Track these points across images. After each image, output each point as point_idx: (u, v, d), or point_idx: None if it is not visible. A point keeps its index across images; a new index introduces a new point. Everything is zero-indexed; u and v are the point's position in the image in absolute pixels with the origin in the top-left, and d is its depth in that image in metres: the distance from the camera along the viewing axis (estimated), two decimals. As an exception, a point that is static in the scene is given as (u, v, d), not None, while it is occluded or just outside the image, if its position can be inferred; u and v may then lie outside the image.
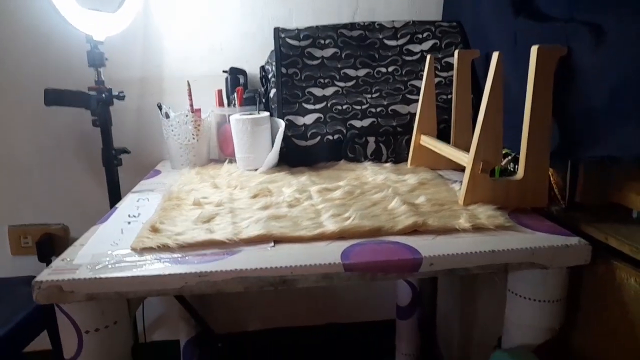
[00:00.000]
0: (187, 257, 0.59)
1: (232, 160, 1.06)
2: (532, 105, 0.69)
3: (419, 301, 1.26)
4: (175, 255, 0.59)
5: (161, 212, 0.73)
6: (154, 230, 0.65)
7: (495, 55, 0.70)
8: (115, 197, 1.03)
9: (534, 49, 0.68)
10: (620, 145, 0.60)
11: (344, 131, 1.04)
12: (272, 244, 0.62)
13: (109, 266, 0.57)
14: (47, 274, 0.55)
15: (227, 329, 1.37)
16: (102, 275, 0.55)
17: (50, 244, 1.20)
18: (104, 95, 0.98)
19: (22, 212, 1.22)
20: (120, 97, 1.02)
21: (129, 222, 0.72)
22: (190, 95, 1.05)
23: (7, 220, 1.23)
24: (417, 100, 1.00)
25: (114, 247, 0.63)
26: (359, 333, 1.41)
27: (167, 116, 1.05)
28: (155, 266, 0.57)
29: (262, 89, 1.14)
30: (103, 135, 1.00)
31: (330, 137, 1.04)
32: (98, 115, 0.97)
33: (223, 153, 1.12)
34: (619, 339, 0.60)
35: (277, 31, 1.10)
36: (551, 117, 0.69)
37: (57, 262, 0.58)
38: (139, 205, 0.81)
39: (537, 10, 0.77)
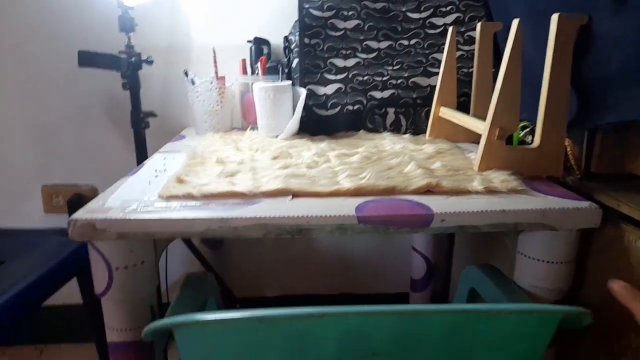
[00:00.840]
0: (210, 205, 0.62)
1: (255, 127, 1.09)
2: (551, 74, 0.69)
3: (433, 274, 1.28)
4: (199, 203, 0.63)
5: (186, 167, 0.76)
6: (180, 181, 0.69)
7: (515, 23, 0.70)
8: (142, 158, 1.07)
9: (554, 18, 0.68)
10: (635, 108, 0.60)
11: (364, 102, 1.06)
12: (291, 197, 0.66)
13: (138, 209, 0.61)
14: (81, 213, 0.59)
15: (247, 294, 1.42)
16: (132, 217, 0.58)
17: (80, 203, 1.25)
18: (133, 59, 1.01)
19: (54, 172, 1.28)
20: (149, 62, 1.06)
21: (156, 176, 0.76)
22: (215, 62, 1.08)
23: (41, 180, 1.29)
24: (437, 73, 1.01)
25: (143, 195, 0.67)
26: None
27: (193, 83, 1.08)
28: (180, 211, 0.60)
29: (285, 59, 1.16)
30: (132, 97, 1.05)
31: (350, 107, 1.06)
32: (128, 78, 1.01)
33: (246, 121, 1.15)
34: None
35: (302, 2, 1.11)
36: (569, 86, 0.70)
37: (90, 204, 0.63)
38: (165, 163, 0.85)
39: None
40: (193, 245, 1.24)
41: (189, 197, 0.65)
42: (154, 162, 0.86)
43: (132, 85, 1.03)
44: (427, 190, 0.68)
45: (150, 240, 0.64)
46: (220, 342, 0.47)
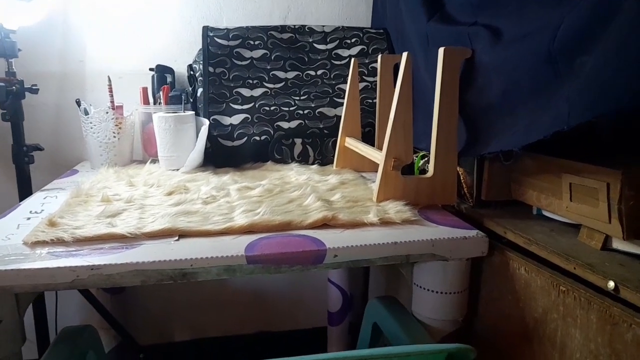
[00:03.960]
0: (82, 251, 0.56)
1: (156, 160, 1.03)
2: (440, 104, 0.72)
3: (350, 306, 1.27)
4: (69, 249, 0.57)
5: (64, 207, 0.69)
6: (52, 224, 0.62)
7: (404, 56, 0.72)
8: (25, 196, 0.97)
9: (441, 51, 0.71)
10: (512, 137, 0.63)
11: (271, 132, 1.04)
12: (177, 237, 0.61)
13: (-7, 260, 0.53)
14: None
15: (152, 340, 1.31)
16: (-17, 269, 0.51)
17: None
18: (14, 88, 0.92)
19: None
20: (34, 90, 0.97)
21: (29, 218, 0.68)
22: (111, 91, 1.02)
23: None
24: (343, 104, 1.01)
25: (5, 241, 0.59)
26: (291, 341, 1.39)
27: (87, 113, 1.01)
28: (44, 259, 0.54)
29: (190, 88, 1.12)
30: (13, 130, 0.95)
31: (257, 137, 1.03)
32: (7, 109, 0.91)
33: (147, 153, 1.09)
34: (512, 324, 0.63)
35: (206, 30, 1.09)
36: (457, 116, 0.72)
37: None
38: (44, 202, 0.76)
39: (446, 15, 0.81)
40: (88, 292, 1.13)
41: (60, 242, 0.58)
42: (32, 201, 0.77)
43: (13, 116, 0.93)
44: (324, 224, 0.66)
45: (11, 294, 0.56)
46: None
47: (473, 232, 0.63)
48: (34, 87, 0.97)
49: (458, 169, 0.77)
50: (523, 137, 0.59)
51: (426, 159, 0.89)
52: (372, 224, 0.66)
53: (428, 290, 0.64)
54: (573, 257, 0.55)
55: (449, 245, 0.61)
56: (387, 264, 0.61)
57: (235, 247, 0.58)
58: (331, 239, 0.61)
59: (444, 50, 0.70)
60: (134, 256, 0.55)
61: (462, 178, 0.80)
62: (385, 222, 0.66)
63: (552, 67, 0.56)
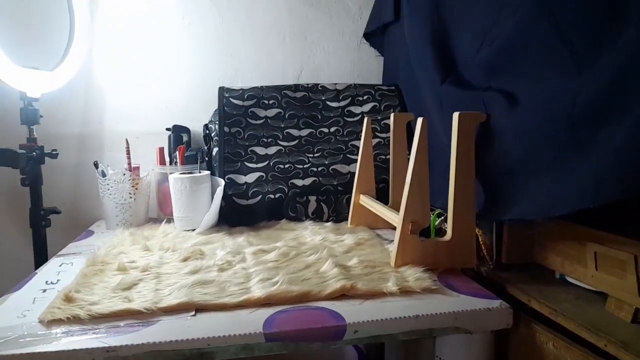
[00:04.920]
0: (98, 329, 0.55)
1: (171, 219, 1.04)
2: (456, 168, 0.71)
3: (367, 363, 1.22)
4: (85, 327, 0.56)
5: (80, 279, 0.69)
6: (68, 299, 0.62)
7: (419, 121, 0.73)
8: (41, 260, 0.97)
9: (455, 115, 0.71)
10: (533, 205, 0.62)
11: (286, 190, 1.04)
12: (194, 312, 0.60)
13: (9, 342, 0.52)
14: None
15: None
16: (-1, 353, 0.50)
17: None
18: (34, 154, 0.94)
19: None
20: (53, 156, 0.99)
21: (44, 290, 0.68)
22: (128, 153, 1.04)
23: None
24: (357, 160, 1.02)
25: (21, 319, 0.58)
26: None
27: (104, 175, 1.02)
28: (60, 341, 0.53)
29: (205, 148, 1.14)
30: (32, 194, 0.96)
31: (271, 195, 1.04)
32: (27, 174, 0.93)
33: (162, 212, 1.10)
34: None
35: (222, 90, 1.12)
36: (474, 179, 0.72)
37: (-51, 339, 0.53)
38: (60, 271, 0.76)
39: (459, 78, 0.82)
40: None
41: (76, 320, 0.57)
42: (47, 269, 0.77)
43: (32, 181, 0.95)
44: (342, 294, 0.65)
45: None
46: None
47: (497, 303, 0.61)
48: (53, 152, 0.99)
49: (476, 230, 0.76)
50: (546, 208, 0.58)
51: (443, 217, 0.88)
52: (391, 294, 0.64)
53: (452, 365, 0.62)
54: (604, 332, 0.53)
55: (472, 318, 0.59)
56: (409, 338, 0.59)
57: (253, 323, 0.57)
58: (350, 311, 0.59)
59: (459, 115, 0.71)
60: (150, 336, 0.54)
61: (480, 240, 0.78)
62: (404, 291, 0.65)
63: (574, 136, 0.55)
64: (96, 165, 1.03)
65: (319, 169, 1.07)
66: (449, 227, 0.73)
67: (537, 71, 0.66)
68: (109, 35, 1.17)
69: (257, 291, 0.64)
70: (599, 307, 0.60)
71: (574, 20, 0.59)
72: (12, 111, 0.97)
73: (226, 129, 1.08)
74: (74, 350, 0.51)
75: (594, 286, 0.61)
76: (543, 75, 0.64)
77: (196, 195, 0.98)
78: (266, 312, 0.60)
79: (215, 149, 1.07)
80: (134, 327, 0.56)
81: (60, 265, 0.79)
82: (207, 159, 1.11)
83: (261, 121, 1.11)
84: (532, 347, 0.60)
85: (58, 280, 0.72)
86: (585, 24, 0.57)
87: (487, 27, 0.77)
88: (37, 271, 0.77)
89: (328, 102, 1.16)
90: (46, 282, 0.71)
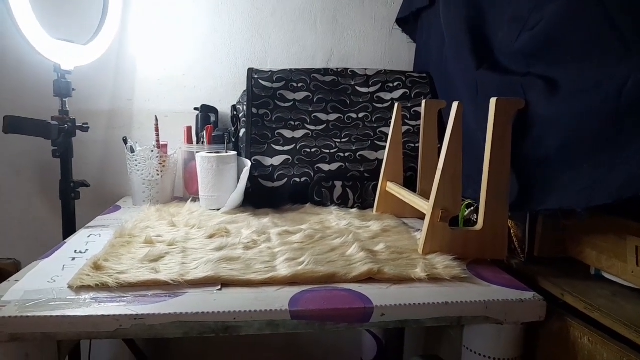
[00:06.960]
0: (125, 298, 0.55)
1: (197, 198, 1.04)
2: (491, 156, 0.69)
3: (385, 355, 1.21)
4: (113, 295, 0.56)
5: (109, 249, 0.69)
6: (96, 267, 0.62)
7: (455, 105, 0.71)
8: (70, 232, 0.98)
9: (492, 101, 0.69)
10: (572, 196, 0.60)
11: (312, 174, 1.03)
12: (219, 287, 0.60)
13: (40, 304, 0.53)
14: (-33, 310, 0.51)
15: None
16: (29, 314, 0.51)
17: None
18: (66, 126, 0.95)
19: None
20: (84, 129, 1.00)
21: (73, 259, 0.69)
22: (157, 130, 1.04)
23: (-45, 252, 1.16)
24: (385, 147, 1.00)
25: (51, 284, 0.59)
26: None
27: (133, 150, 1.03)
28: (89, 306, 0.53)
29: (232, 129, 1.13)
30: (62, 166, 0.97)
31: (297, 179, 1.03)
32: (58, 146, 0.94)
33: (188, 191, 1.10)
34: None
35: (251, 72, 1.11)
36: (509, 168, 0.70)
37: (-18, 298, 0.54)
38: (88, 241, 0.77)
39: (496, 64, 0.79)
40: (132, 341, 1.11)
41: (104, 287, 0.58)
42: (76, 240, 0.78)
43: (63, 154, 0.96)
44: (369, 278, 0.64)
45: (53, 342, 0.55)
46: None
47: (529, 294, 0.59)
48: (84, 126, 1.00)
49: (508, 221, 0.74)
50: (587, 197, 0.56)
51: (472, 208, 0.86)
52: (419, 280, 0.63)
53: (480, 355, 0.60)
54: (644, 329, 0.51)
55: (503, 308, 0.58)
56: (437, 325, 0.57)
57: (279, 300, 0.56)
58: (377, 295, 0.58)
59: (497, 101, 0.68)
60: (177, 306, 0.54)
61: (512, 231, 0.76)
62: (433, 279, 0.63)
63: (619, 125, 0.53)
64: (125, 140, 1.04)
65: (346, 154, 1.05)
66: (480, 216, 0.71)
67: (581, 58, 0.63)
68: (141, 14, 1.17)
69: (283, 270, 0.63)
70: (638, 305, 0.57)
71: (624, 4, 0.56)
72: (45, 84, 0.98)
73: (254, 111, 1.07)
74: (102, 315, 0.51)
75: (634, 283, 0.59)
76: (588, 62, 0.61)
77: (223, 175, 0.98)
78: (292, 291, 0.59)
79: (243, 130, 1.07)
80: (160, 297, 0.56)
81: (88, 237, 0.80)
82: (234, 139, 1.11)
83: (289, 104, 1.10)
84: (564, 341, 0.58)
85: (87, 249, 0.73)
86: (636, 9, 0.54)
87: (527, 12, 0.74)
88: (66, 241, 0.78)
89: (357, 88, 1.14)
90: (75, 251, 0.72)
